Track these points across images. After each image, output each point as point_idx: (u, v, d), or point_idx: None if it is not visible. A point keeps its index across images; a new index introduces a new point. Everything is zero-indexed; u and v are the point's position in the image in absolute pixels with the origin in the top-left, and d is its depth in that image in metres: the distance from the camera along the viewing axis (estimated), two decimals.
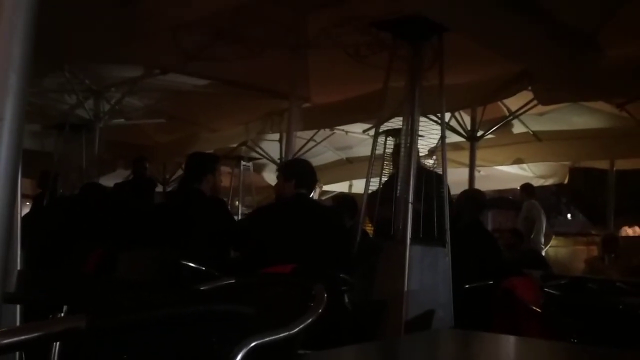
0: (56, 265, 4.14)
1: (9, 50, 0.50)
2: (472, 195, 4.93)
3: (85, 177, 6.85)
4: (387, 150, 4.12)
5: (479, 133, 6.47)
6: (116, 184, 6.26)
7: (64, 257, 4.15)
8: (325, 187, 9.61)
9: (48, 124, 7.22)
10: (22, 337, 0.85)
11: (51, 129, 7.36)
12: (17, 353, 1.22)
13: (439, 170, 3.94)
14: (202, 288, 1.81)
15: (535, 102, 5.64)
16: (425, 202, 3.63)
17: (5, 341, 0.83)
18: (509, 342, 1.44)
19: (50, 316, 1.40)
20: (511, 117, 6.44)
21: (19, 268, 1.41)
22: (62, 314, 1.36)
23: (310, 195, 3.86)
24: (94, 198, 5.31)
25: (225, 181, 7.97)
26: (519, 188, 8.47)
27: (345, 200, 5.39)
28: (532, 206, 8.30)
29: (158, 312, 1.14)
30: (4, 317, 0.59)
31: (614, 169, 7.97)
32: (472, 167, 6.51)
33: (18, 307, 1.41)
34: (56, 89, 6.40)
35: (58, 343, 1.32)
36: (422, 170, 3.80)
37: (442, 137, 3.94)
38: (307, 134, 7.32)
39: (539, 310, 3.07)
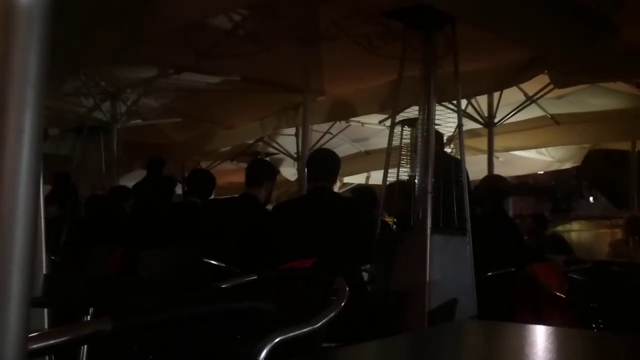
0: (78, 268, 4.20)
1: (26, 65, 0.50)
2: (493, 183, 4.88)
3: (104, 179, 6.92)
4: (404, 141, 4.10)
5: (497, 119, 6.41)
6: (135, 185, 6.32)
7: (86, 259, 4.21)
8: (345, 180, 9.61)
9: (66, 127, 7.30)
10: (52, 342, 0.87)
11: (69, 132, 7.45)
12: (47, 357, 1.24)
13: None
14: (223, 286, 1.82)
15: (552, 85, 5.56)
16: (446, 190, 3.61)
17: (36, 346, 0.85)
18: (536, 332, 1.43)
19: (77, 318, 1.42)
20: (528, 102, 6.35)
21: (44, 272, 1.44)
22: (89, 317, 1.38)
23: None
24: (124, 202, 5.39)
25: (242, 177, 7.97)
26: None
27: (365, 191, 5.36)
28: None
29: (182, 311, 1.15)
30: (32, 321, 0.60)
31: (636, 149, 7.83)
32: (490, 153, 6.44)
33: (45, 310, 1.43)
34: (73, 92, 6.46)
35: (86, 345, 1.35)
36: (445, 157, 3.78)
37: (460, 125, 3.91)
38: (323, 127, 7.30)
39: (562, 295, 3.04)
